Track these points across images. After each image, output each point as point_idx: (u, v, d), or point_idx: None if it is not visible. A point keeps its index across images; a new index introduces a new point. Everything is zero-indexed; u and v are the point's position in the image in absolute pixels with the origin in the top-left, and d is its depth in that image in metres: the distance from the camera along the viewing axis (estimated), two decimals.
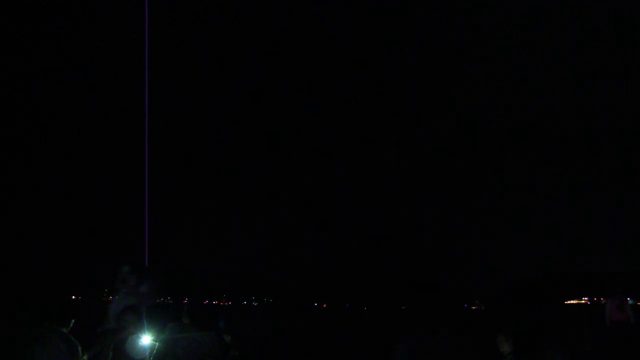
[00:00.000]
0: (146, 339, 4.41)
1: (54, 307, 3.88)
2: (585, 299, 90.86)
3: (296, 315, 37.02)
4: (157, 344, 4.31)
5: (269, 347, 12.19)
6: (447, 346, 3.92)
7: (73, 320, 3.88)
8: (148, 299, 6.97)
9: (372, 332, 18.13)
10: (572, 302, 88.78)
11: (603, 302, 13.00)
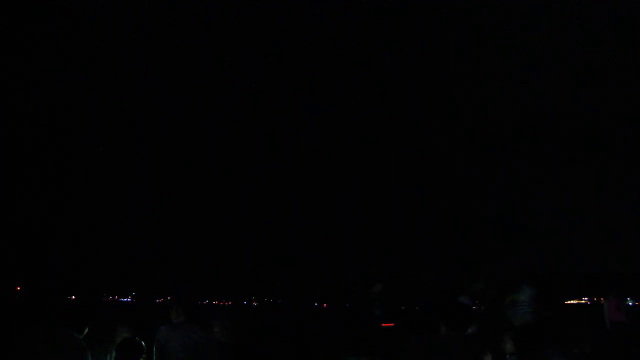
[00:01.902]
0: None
1: (70, 311, 3.84)
2: (585, 299, 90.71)
3: (296, 315, 36.99)
4: (155, 343, 4.31)
5: (267, 346, 12.18)
6: (448, 346, 3.91)
7: (87, 329, 3.85)
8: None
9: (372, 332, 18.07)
10: (572, 302, 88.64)
11: (602, 302, 13.02)
